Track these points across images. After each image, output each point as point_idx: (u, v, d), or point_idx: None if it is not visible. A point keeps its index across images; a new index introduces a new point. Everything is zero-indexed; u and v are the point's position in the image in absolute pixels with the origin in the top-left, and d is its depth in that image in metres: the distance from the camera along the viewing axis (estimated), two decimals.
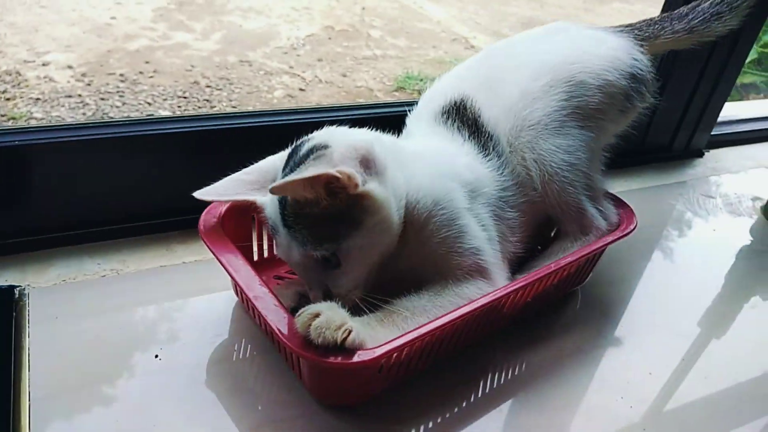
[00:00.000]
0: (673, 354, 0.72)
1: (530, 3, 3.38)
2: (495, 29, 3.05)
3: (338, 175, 0.52)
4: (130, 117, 2.07)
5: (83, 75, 2.24)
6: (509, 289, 0.61)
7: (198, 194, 0.62)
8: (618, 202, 0.78)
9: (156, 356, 0.62)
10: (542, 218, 0.73)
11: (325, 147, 0.56)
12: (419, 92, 2.54)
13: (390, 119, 0.86)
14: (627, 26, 0.79)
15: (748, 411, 0.66)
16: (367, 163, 0.57)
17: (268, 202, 0.61)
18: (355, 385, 0.58)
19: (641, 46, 0.75)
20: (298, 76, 2.42)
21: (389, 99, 2.50)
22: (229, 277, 0.59)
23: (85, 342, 0.63)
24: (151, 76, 2.28)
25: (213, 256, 0.61)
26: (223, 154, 0.78)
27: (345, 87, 2.43)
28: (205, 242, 0.62)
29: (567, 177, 0.68)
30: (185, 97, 2.24)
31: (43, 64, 2.26)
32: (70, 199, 0.74)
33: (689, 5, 0.80)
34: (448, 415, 0.60)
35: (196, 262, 0.75)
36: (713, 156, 1.22)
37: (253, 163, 0.65)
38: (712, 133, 1.20)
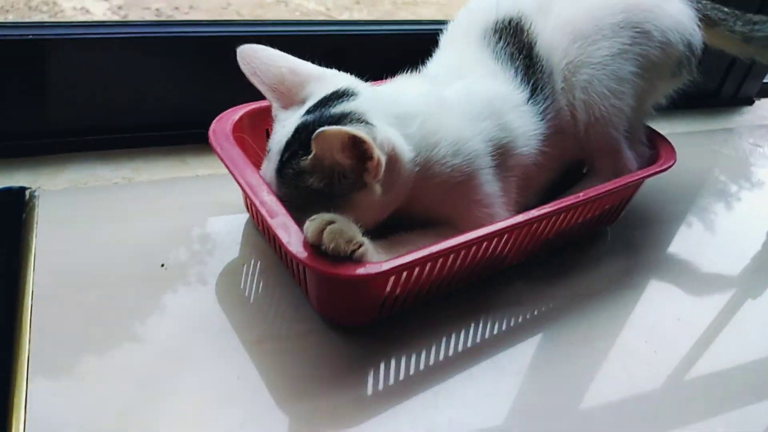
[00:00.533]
0: (704, 306, 0.68)
1: None
2: None
3: (380, 162, 0.50)
4: (148, 19, 2.01)
5: (119, 8, 2.22)
6: (529, 216, 0.58)
7: (240, 51, 0.59)
8: (659, 138, 0.74)
9: (162, 265, 0.61)
10: (573, 157, 0.71)
11: (366, 122, 0.53)
12: None
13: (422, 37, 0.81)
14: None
15: None
16: (390, 162, 0.53)
17: (281, 122, 0.59)
18: (361, 302, 0.56)
19: (699, 21, 0.72)
20: (335, 18, 2.37)
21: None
22: (240, 190, 0.58)
23: (92, 246, 0.62)
24: (187, 12, 2.26)
25: (226, 170, 0.59)
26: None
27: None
28: (213, 147, 0.60)
29: (612, 122, 0.67)
30: None
31: None
32: (85, 103, 0.73)
33: (764, 16, 0.76)
34: (462, 343, 0.58)
35: (209, 176, 0.73)
36: (763, 104, 1.16)
37: None
38: (764, 80, 1.14)
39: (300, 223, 0.51)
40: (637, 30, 0.66)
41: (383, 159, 0.51)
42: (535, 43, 0.66)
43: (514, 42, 0.66)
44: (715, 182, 0.91)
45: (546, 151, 0.65)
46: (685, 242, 0.77)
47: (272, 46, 0.61)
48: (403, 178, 0.56)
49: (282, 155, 0.55)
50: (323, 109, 0.56)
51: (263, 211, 0.53)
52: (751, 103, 1.16)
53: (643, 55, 0.66)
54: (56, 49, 0.68)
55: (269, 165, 0.57)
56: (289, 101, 0.60)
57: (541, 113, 0.65)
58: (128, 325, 0.55)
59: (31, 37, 0.67)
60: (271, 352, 0.54)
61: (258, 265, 0.63)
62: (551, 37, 0.66)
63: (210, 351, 0.53)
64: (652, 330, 0.63)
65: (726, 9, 0.75)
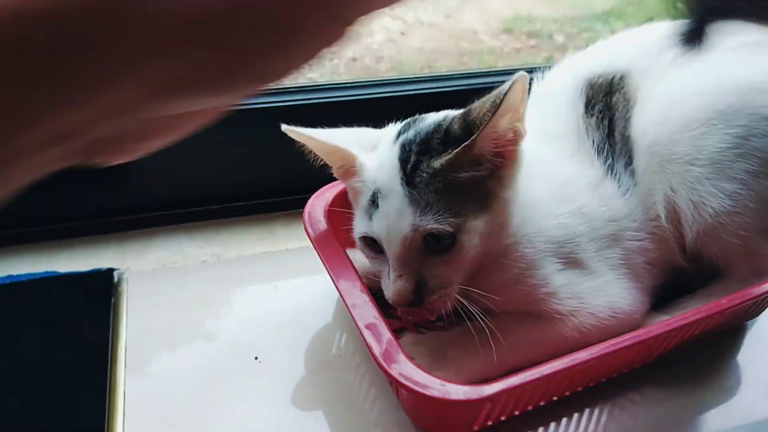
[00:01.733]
0: None
1: None
2: None
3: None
4: None
5: None
6: (642, 337, 0.52)
7: (285, 129, 0.56)
8: None
9: (256, 358, 0.59)
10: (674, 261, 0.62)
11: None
12: (528, 35, 2.40)
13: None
14: None
15: None
16: None
17: (375, 163, 0.54)
18: (457, 418, 0.53)
19: None
20: (399, 18, 2.34)
21: (495, 43, 2.37)
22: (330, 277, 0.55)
23: (182, 332, 0.61)
24: None
25: None
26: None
27: (448, 29, 2.32)
28: (307, 233, 0.59)
29: (732, 226, 0.57)
30: None
31: None
32: (170, 176, 0.72)
33: None
34: None
35: (299, 249, 0.71)
36: None
37: None
38: None
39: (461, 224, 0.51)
40: (754, 116, 0.56)
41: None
42: (630, 116, 0.60)
43: (607, 105, 0.60)
44: None
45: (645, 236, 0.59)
46: None
47: (360, 109, 0.59)
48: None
49: (403, 171, 0.51)
50: (414, 127, 0.54)
51: (355, 316, 0.51)
52: None
53: (759, 148, 0.56)
54: None
55: (386, 202, 0.52)
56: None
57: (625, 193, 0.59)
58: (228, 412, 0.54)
59: None
60: None
61: (354, 360, 0.61)
62: (649, 114, 0.59)
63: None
64: None
65: None
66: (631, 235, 0.59)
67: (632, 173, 0.59)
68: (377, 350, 0.48)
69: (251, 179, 0.76)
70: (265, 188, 0.75)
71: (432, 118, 0.55)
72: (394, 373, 0.47)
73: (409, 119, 0.57)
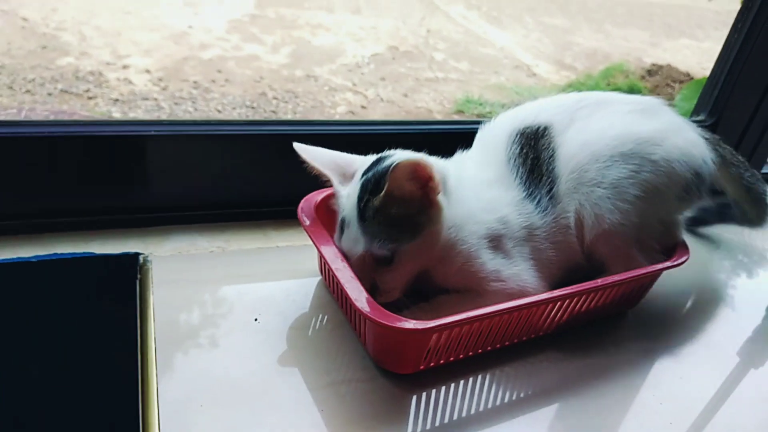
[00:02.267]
0: (710, 378, 0.80)
1: (596, 34, 3.51)
2: (558, 58, 3.18)
3: (436, 179, 0.69)
4: (240, 118, 2.25)
5: (160, 80, 2.45)
6: (554, 295, 0.73)
7: (296, 146, 0.77)
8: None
9: (255, 319, 0.76)
10: (577, 260, 0.83)
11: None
12: (478, 116, 2.68)
13: (450, 137, 1.00)
14: (715, 136, 0.88)
15: None
16: (443, 181, 0.72)
17: (344, 194, 0.75)
18: (408, 352, 0.70)
19: (713, 160, 0.84)
20: (361, 93, 2.58)
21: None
22: (317, 255, 0.73)
23: (197, 303, 0.78)
24: (222, 85, 2.48)
25: (301, 243, 0.75)
26: None
27: (405, 107, 2.58)
28: (300, 219, 0.77)
29: (618, 235, 0.79)
30: (253, 107, 2.42)
31: (124, 67, 2.48)
32: (184, 184, 0.90)
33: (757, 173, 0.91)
34: (492, 400, 0.71)
35: (287, 247, 0.90)
36: None
37: None
38: (763, 171, 1.28)
39: (397, 248, 0.71)
40: (645, 159, 0.79)
41: (436, 175, 0.68)
42: (553, 156, 0.80)
43: (533, 149, 0.81)
44: (719, 270, 1.07)
45: (545, 237, 0.80)
46: (695, 321, 0.91)
47: (327, 143, 0.79)
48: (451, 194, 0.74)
49: (358, 207, 0.72)
50: (376, 167, 0.74)
51: (337, 274, 0.69)
52: None
53: (647, 180, 0.78)
54: (161, 142, 0.87)
55: (348, 229, 0.73)
56: (344, 178, 0.78)
57: (542, 211, 0.79)
58: (227, 362, 0.70)
59: (150, 132, 0.85)
60: (329, 393, 0.69)
61: (326, 319, 0.79)
62: (570, 151, 0.80)
63: (282, 387, 0.69)
64: (663, 403, 0.75)
65: (741, 157, 0.90)
66: (540, 239, 0.80)
67: (552, 197, 0.80)
68: (353, 295, 0.67)
69: (249, 191, 0.94)
70: (260, 198, 0.94)
71: (389, 160, 0.74)
72: (363, 309, 0.65)
73: (380, 155, 0.77)
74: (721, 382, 0.81)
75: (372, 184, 0.72)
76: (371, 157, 0.78)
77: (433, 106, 2.70)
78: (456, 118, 2.67)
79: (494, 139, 0.85)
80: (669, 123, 0.84)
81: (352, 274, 0.70)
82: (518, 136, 0.82)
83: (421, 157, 0.69)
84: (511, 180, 0.81)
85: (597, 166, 0.79)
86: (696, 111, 1.19)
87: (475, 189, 0.79)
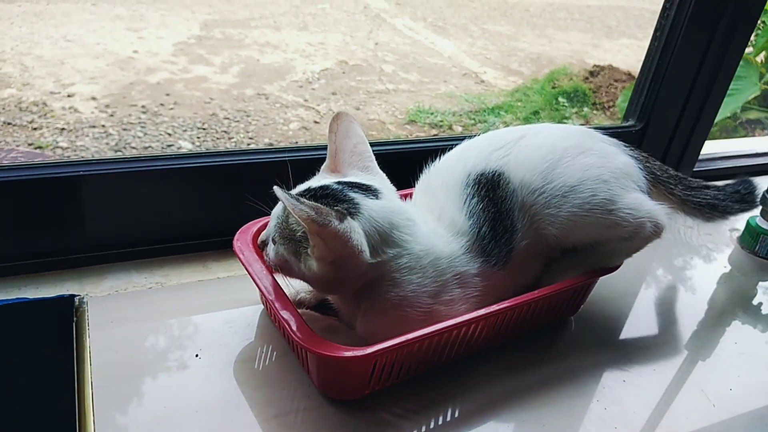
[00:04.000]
0: (660, 374, 0.83)
1: (539, 39, 3.58)
2: (504, 64, 3.23)
3: (318, 244, 0.65)
4: (171, 152, 2.24)
5: (107, 106, 2.42)
6: (490, 311, 0.73)
7: (339, 113, 0.76)
8: None
9: (196, 355, 0.76)
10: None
11: (342, 213, 0.65)
12: (430, 125, 2.70)
13: (403, 155, 1.01)
14: (643, 154, 0.87)
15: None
16: (342, 250, 0.65)
17: (312, 180, 0.74)
18: (351, 379, 0.71)
19: (645, 178, 0.84)
20: (313, 109, 2.59)
21: (401, 132, 2.66)
22: (256, 287, 0.73)
23: (136, 342, 0.76)
24: (172, 108, 2.46)
25: (244, 272, 0.74)
26: (249, 184, 0.93)
27: (358, 119, 2.58)
28: (236, 253, 0.76)
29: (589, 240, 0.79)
30: (204, 129, 2.41)
31: (69, 96, 2.44)
32: (119, 222, 0.89)
33: (702, 184, 0.91)
34: (442, 419, 0.72)
35: (228, 278, 0.89)
36: None
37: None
38: (694, 169, 1.32)
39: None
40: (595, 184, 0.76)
41: (327, 243, 0.64)
42: (511, 197, 0.76)
43: (489, 194, 0.76)
44: (656, 267, 1.09)
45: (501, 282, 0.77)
46: (642, 320, 0.93)
47: (274, 170, 0.78)
48: (355, 270, 0.67)
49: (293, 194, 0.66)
50: (340, 186, 0.70)
51: (276, 307, 0.69)
52: None
53: (599, 204, 0.76)
54: (93, 181, 0.85)
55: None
56: (336, 169, 0.76)
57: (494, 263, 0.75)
58: (170, 402, 0.70)
59: (78, 173, 0.83)
60: (277, 425, 0.68)
61: (270, 350, 0.78)
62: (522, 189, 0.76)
63: (229, 423, 0.68)
64: (608, 408, 0.76)
65: (671, 171, 0.89)
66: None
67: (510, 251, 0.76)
68: (293, 327, 0.66)
69: (185, 223, 0.93)
70: (198, 231, 0.93)
71: (345, 194, 0.69)
72: (303, 342, 0.65)
73: (368, 183, 0.72)
74: (670, 378, 0.83)
75: (311, 191, 0.71)
76: (375, 176, 0.76)
77: (385, 117, 2.72)
78: (408, 128, 2.69)
79: (446, 182, 0.80)
80: (605, 149, 0.82)
81: (288, 304, 0.70)
82: (475, 183, 0.78)
83: (312, 211, 0.62)
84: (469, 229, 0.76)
85: (556, 201, 0.77)
86: (625, 117, 1.22)
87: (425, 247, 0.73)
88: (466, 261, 0.74)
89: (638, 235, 0.79)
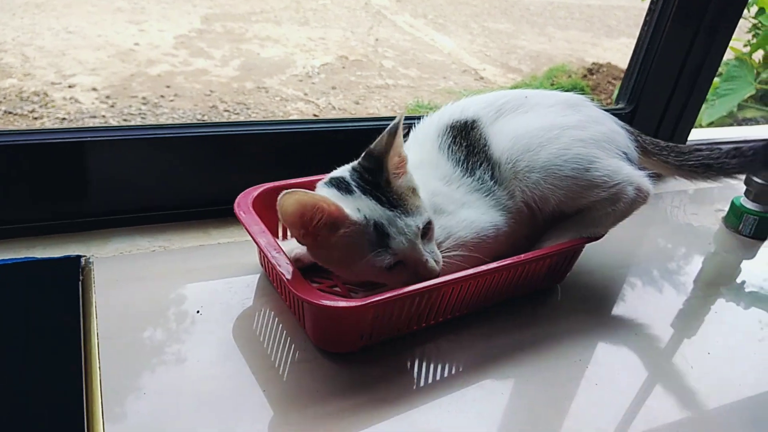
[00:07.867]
0: (648, 348, 0.87)
1: (539, 37, 3.63)
2: (504, 61, 3.28)
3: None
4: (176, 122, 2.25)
5: (107, 97, 2.46)
6: (481, 270, 0.78)
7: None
8: None
9: (198, 311, 0.80)
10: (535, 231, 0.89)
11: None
12: None
13: None
14: (635, 130, 0.94)
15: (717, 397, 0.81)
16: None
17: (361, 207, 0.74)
18: (345, 330, 0.75)
19: (636, 150, 0.91)
20: (313, 102, 2.63)
21: None
22: (256, 248, 0.78)
23: (141, 300, 0.81)
24: (172, 100, 2.50)
25: (244, 239, 0.79)
26: (250, 155, 0.99)
27: (357, 114, 2.63)
28: (237, 215, 0.81)
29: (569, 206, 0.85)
30: (204, 121, 2.45)
31: (69, 86, 2.48)
32: (124, 187, 0.94)
33: (694, 147, 0.96)
34: (432, 376, 0.77)
35: (228, 243, 0.94)
36: None
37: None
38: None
39: None
40: (570, 140, 0.84)
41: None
42: (487, 143, 0.86)
43: (464, 138, 0.86)
44: (644, 243, 1.14)
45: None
46: (628, 294, 0.98)
47: (274, 142, 0.83)
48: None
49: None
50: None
51: (273, 261, 0.73)
52: None
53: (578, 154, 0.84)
54: (100, 147, 0.90)
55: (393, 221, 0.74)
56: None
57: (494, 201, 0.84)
58: (173, 352, 0.74)
59: (85, 139, 0.88)
60: (273, 375, 0.73)
61: (268, 310, 0.83)
62: (501, 143, 0.85)
63: (231, 374, 0.73)
64: (599, 372, 0.80)
65: (662, 143, 0.95)
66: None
67: (496, 181, 0.84)
68: (290, 277, 0.71)
69: (189, 191, 0.98)
70: (201, 198, 0.99)
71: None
72: (302, 295, 0.69)
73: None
74: (650, 343, 0.87)
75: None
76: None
77: (384, 112, 2.76)
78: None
79: (425, 137, 0.90)
80: (591, 115, 0.90)
81: (288, 260, 0.75)
82: (448, 129, 0.88)
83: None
84: (445, 165, 0.86)
85: (528, 155, 0.84)
86: (616, 100, 1.27)
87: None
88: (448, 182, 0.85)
89: (621, 200, 0.84)
